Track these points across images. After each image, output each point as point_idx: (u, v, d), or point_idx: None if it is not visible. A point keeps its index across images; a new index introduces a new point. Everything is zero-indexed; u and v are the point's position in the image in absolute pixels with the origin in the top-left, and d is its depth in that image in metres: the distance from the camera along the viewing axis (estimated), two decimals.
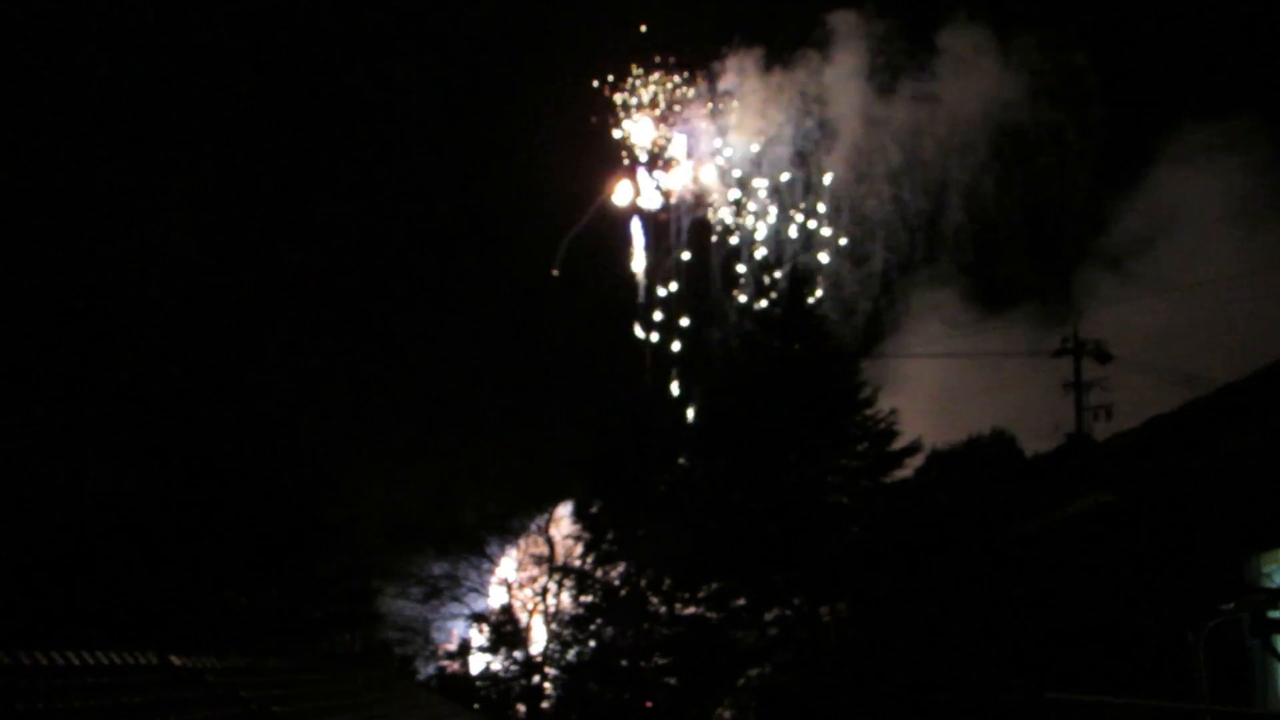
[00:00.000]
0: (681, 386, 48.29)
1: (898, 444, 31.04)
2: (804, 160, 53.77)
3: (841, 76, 52.80)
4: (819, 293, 51.31)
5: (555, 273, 52.16)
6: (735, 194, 54.27)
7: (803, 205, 53.44)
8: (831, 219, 53.75)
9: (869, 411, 31.28)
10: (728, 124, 53.83)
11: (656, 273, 53.73)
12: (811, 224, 53.59)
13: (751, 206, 53.38)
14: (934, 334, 49.97)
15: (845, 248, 53.88)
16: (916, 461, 31.87)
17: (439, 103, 68.51)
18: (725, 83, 53.18)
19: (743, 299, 52.97)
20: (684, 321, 54.04)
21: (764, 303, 52.03)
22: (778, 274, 52.01)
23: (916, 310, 54.75)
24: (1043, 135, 51.55)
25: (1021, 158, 51.87)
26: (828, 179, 53.22)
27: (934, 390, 49.25)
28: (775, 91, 52.84)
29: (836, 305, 53.20)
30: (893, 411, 31.09)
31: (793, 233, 53.38)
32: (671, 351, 51.79)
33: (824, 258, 53.72)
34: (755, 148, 53.27)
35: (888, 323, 55.16)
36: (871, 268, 54.08)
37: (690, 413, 44.55)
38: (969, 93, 52.20)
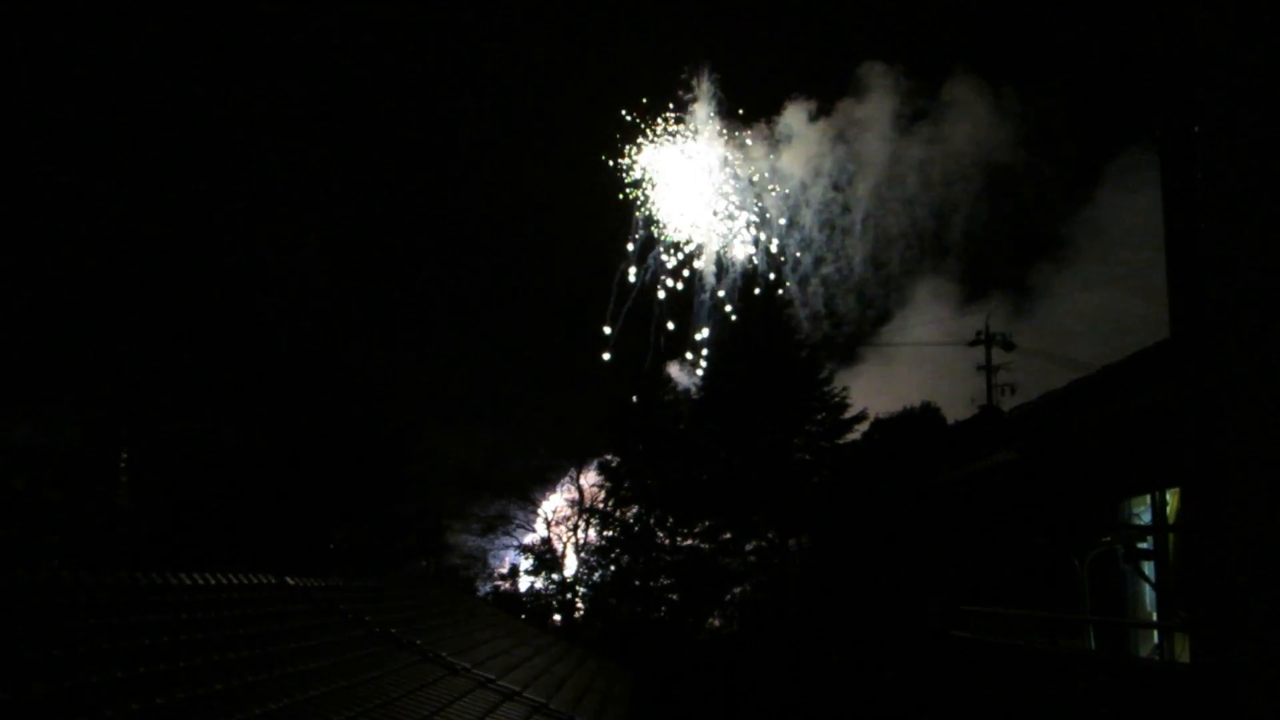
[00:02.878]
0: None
1: (849, 414, 31.07)
2: (839, 189, 54.47)
3: (870, 120, 53.25)
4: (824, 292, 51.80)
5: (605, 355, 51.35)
6: (774, 221, 54.53)
7: (838, 225, 53.83)
8: (860, 234, 54.43)
9: (826, 389, 31.34)
10: (780, 163, 54.34)
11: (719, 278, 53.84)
12: (846, 240, 54.22)
13: (799, 232, 53.83)
14: (923, 321, 50.08)
15: (869, 257, 54.60)
16: (864, 427, 31.89)
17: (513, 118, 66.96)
18: (779, 130, 53.52)
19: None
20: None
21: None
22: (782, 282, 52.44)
23: (915, 303, 55.36)
24: (1022, 171, 51.95)
25: (1005, 189, 52.39)
26: (857, 204, 53.78)
27: (902, 367, 49.38)
28: (820, 136, 53.32)
29: (860, 300, 53.98)
30: (845, 388, 31.21)
31: (824, 247, 53.83)
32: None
33: (854, 265, 54.42)
34: (801, 183, 53.70)
35: (895, 311, 55.88)
36: (889, 270, 54.69)
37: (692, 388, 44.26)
38: (967, 134, 52.66)
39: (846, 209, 53.45)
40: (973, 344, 36.84)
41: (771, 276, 49.42)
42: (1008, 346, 36.43)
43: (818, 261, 52.59)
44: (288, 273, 49.65)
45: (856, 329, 49.74)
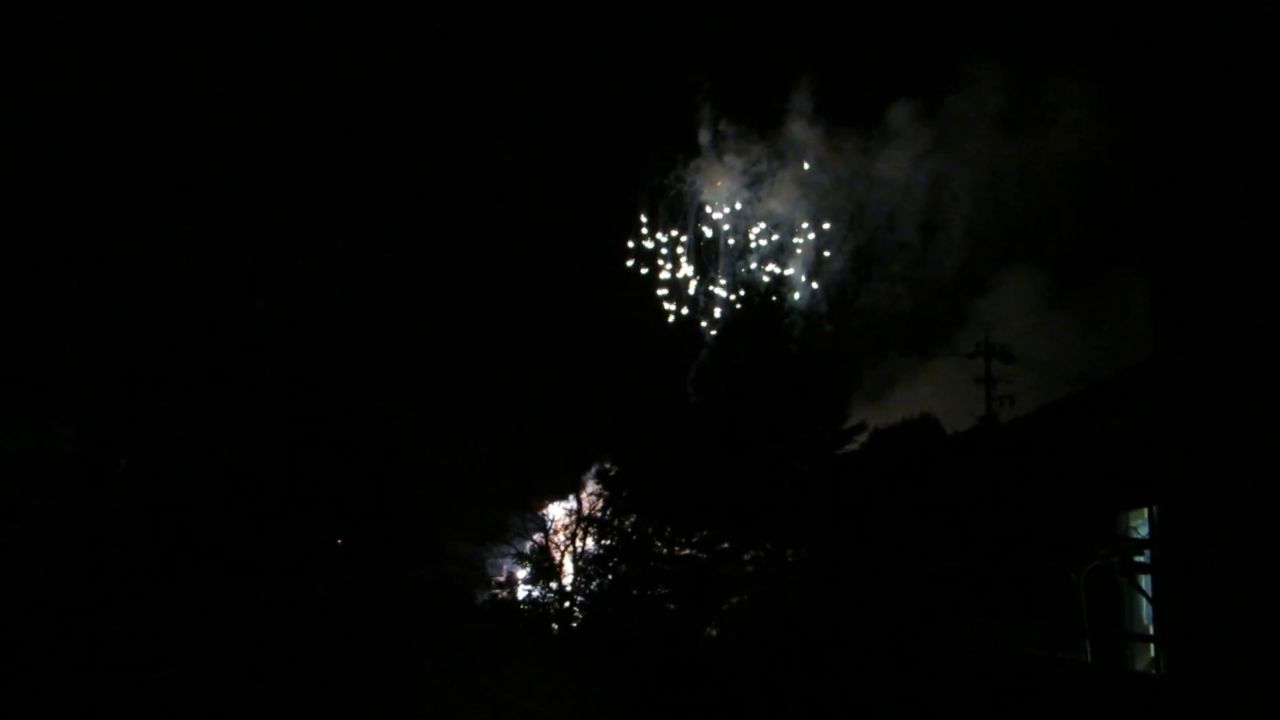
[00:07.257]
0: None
1: (847, 424, 31.05)
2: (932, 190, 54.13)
3: (968, 120, 52.50)
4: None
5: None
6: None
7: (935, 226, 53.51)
8: (949, 238, 53.98)
9: (824, 399, 31.36)
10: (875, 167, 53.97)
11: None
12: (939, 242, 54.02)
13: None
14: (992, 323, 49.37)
15: (957, 259, 54.17)
16: (863, 438, 31.86)
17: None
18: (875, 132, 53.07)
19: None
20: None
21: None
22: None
23: (990, 306, 54.76)
24: (1113, 174, 50.91)
25: (1096, 192, 51.47)
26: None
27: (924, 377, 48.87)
28: (916, 133, 52.72)
29: (916, 305, 53.47)
30: (844, 399, 31.25)
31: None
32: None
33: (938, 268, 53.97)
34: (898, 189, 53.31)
35: (972, 312, 55.23)
36: (974, 274, 54.28)
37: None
38: (1063, 135, 51.79)
39: (934, 211, 53.08)
40: (972, 356, 36.83)
41: (771, 274, 49.00)
42: (1007, 359, 36.44)
43: (908, 265, 52.07)
44: (290, 281, 49.75)
45: (939, 332, 49.31)
